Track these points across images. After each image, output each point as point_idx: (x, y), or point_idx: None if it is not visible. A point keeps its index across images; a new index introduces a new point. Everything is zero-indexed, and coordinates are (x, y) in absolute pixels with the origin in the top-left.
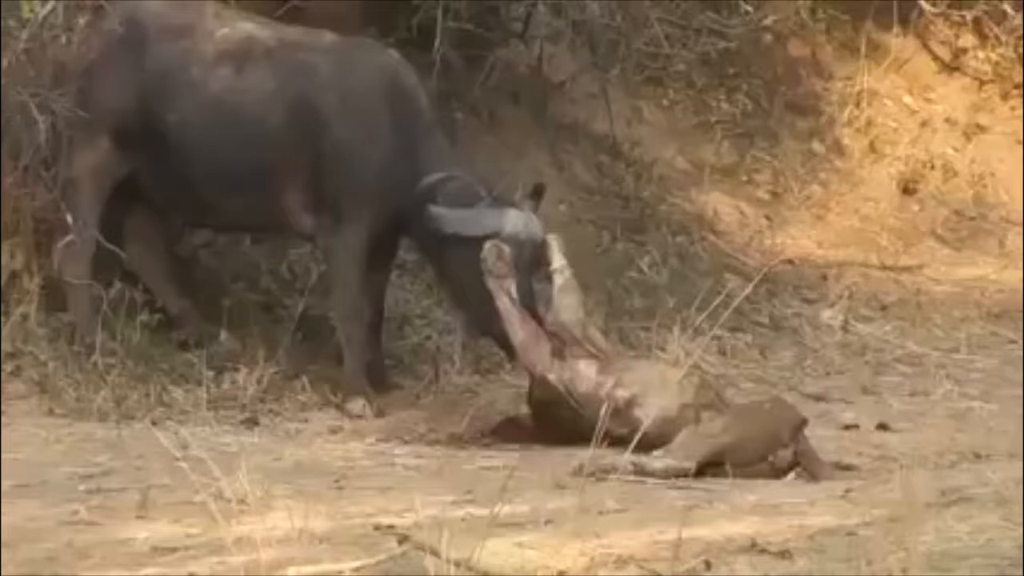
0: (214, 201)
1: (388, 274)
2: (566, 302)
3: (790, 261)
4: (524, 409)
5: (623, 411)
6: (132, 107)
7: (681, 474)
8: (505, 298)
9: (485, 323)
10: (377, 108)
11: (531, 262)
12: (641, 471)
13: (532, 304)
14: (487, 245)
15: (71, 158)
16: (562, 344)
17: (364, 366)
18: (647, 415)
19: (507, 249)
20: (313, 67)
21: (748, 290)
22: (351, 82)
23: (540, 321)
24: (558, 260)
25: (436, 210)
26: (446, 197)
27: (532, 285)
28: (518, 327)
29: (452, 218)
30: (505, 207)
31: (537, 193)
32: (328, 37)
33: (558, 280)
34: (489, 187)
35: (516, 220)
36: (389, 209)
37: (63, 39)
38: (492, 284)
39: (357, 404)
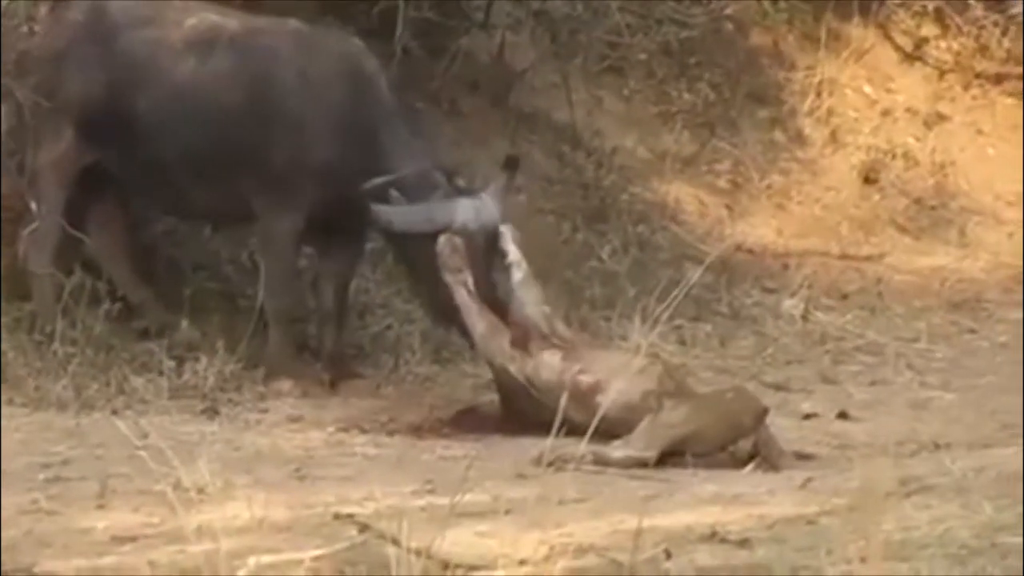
0: (184, 190)
1: (355, 263)
2: (529, 296)
3: (750, 250)
4: (484, 398)
5: (587, 397)
6: (98, 97)
7: (641, 463)
8: (462, 291)
9: (447, 314)
10: (335, 93)
11: (488, 249)
12: (601, 460)
13: (491, 292)
14: (440, 239)
15: (36, 147)
16: (524, 335)
17: (294, 347)
18: (609, 400)
19: (460, 242)
20: (275, 52)
21: (698, 274)
22: (310, 67)
23: (500, 311)
24: (513, 253)
25: (384, 209)
26: (402, 189)
27: (490, 272)
28: (476, 319)
29: (402, 215)
30: (455, 198)
31: (511, 165)
32: (292, 24)
33: (516, 274)
34: (450, 173)
35: (466, 211)
36: (347, 195)
37: (25, 28)
38: (448, 278)
39: (284, 384)
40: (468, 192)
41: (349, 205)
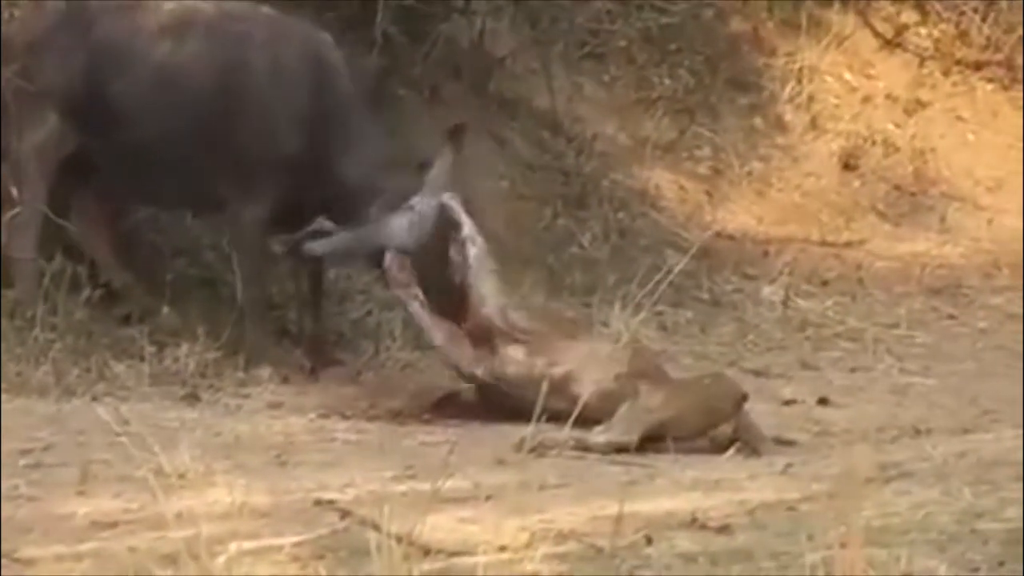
0: (162, 178)
1: None
2: (484, 290)
3: (730, 237)
4: (465, 385)
5: (561, 387)
6: (78, 82)
7: (623, 448)
8: (415, 304)
9: None
10: (303, 82)
11: (433, 248)
12: (583, 446)
13: (445, 298)
14: (387, 257)
15: (18, 133)
16: (486, 332)
17: (272, 334)
18: (585, 389)
19: (406, 260)
20: (249, 37)
21: (683, 262)
22: (282, 54)
23: (460, 301)
24: (467, 225)
25: (315, 246)
26: (344, 200)
27: (441, 274)
28: (434, 331)
29: (333, 246)
30: (387, 218)
31: (455, 135)
32: (265, 9)
33: (471, 251)
34: (425, 167)
35: (398, 231)
36: (309, 182)
37: (7, 14)
38: (400, 294)
39: (264, 371)
40: (400, 207)
41: (311, 191)
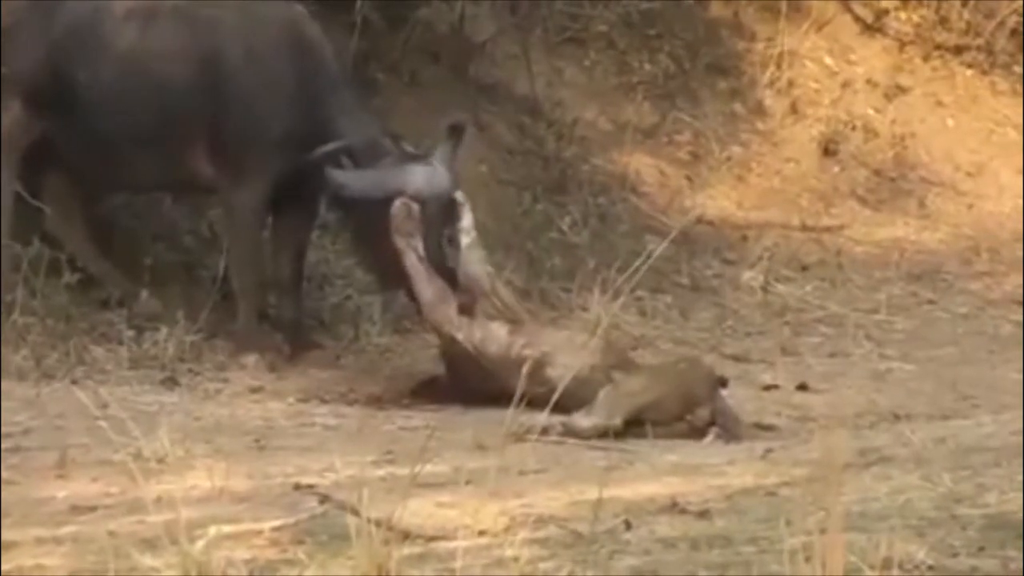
0: (127, 160)
1: (309, 232)
2: (474, 255)
3: (710, 222)
4: (443, 369)
5: (534, 371)
6: (43, 68)
7: (609, 431)
8: (412, 256)
9: (395, 281)
10: (280, 61)
11: (438, 217)
12: (570, 430)
13: (441, 260)
14: (397, 203)
15: None
16: (472, 301)
17: (258, 320)
18: (559, 375)
19: (416, 207)
20: (218, 21)
21: (662, 247)
22: (254, 35)
23: (449, 279)
24: (467, 218)
25: (338, 174)
26: (352, 156)
27: (441, 240)
28: (425, 285)
29: (355, 180)
30: (408, 164)
31: (455, 133)
32: None
33: (464, 239)
34: (398, 140)
35: (419, 177)
36: (295, 163)
37: None
38: (399, 242)
39: (250, 359)
40: (420, 158)
41: (302, 174)
